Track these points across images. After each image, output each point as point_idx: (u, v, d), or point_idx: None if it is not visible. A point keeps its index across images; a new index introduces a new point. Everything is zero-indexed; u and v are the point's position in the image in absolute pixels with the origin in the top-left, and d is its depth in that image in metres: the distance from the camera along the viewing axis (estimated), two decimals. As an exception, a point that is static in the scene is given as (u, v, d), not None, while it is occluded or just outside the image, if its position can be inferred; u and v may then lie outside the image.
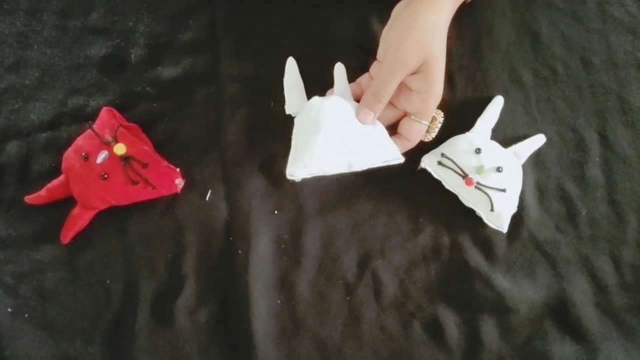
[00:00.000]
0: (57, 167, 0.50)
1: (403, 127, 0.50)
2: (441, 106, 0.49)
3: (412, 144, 0.50)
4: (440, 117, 0.50)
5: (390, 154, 0.48)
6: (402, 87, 0.49)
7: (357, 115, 0.48)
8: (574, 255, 0.50)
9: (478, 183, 0.48)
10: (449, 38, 0.56)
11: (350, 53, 0.53)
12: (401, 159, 0.48)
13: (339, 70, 0.50)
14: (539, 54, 0.55)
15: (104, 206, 0.49)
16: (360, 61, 0.53)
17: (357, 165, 0.46)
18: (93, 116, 0.52)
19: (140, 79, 0.54)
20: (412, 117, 0.49)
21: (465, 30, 0.56)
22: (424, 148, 0.51)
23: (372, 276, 0.49)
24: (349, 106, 0.48)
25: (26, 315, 0.48)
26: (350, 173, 0.51)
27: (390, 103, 0.49)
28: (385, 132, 0.49)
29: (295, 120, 0.49)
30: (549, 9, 0.57)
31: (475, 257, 0.49)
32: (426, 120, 0.49)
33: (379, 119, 0.49)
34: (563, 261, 0.50)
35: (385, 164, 0.48)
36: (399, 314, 0.48)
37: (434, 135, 0.51)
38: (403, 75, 0.47)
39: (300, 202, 0.51)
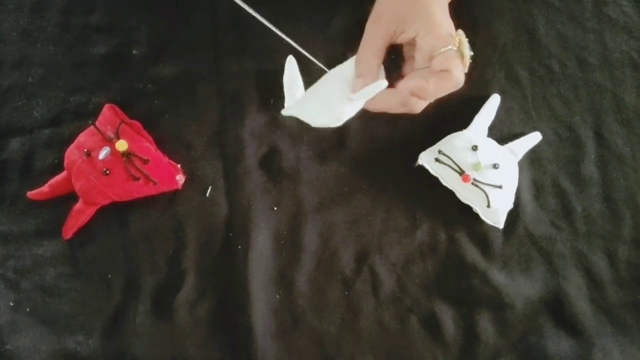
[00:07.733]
0: (60, 163, 0.51)
1: (435, 63, 0.41)
2: (440, 105, 0.49)
3: (453, 77, 0.40)
4: (462, 36, 0.42)
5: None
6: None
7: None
8: (570, 251, 0.50)
9: (475, 180, 0.49)
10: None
11: (351, 49, 0.53)
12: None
13: (290, 63, 0.48)
14: (536, 53, 0.56)
15: (106, 202, 0.49)
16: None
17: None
18: (95, 113, 0.53)
19: (141, 76, 0.55)
20: (437, 52, 0.41)
21: (462, 28, 0.56)
22: (421, 146, 0.51)
23: (370, 272, 0.50)
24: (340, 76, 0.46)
25: (28, 310, 0.48)
26: (348, 169, 0.52)
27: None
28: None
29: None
30: (546, 7, 0.58)
31: (471, 253, 0.50)
32: (446, 47, 0.41)
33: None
34: (558, 257, 0.50)
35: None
36: (396, 309, 0.49)
37: (469, 57, 0.42)
38: (379, 28, 0.43)
39: (299, 198, 0.51)
